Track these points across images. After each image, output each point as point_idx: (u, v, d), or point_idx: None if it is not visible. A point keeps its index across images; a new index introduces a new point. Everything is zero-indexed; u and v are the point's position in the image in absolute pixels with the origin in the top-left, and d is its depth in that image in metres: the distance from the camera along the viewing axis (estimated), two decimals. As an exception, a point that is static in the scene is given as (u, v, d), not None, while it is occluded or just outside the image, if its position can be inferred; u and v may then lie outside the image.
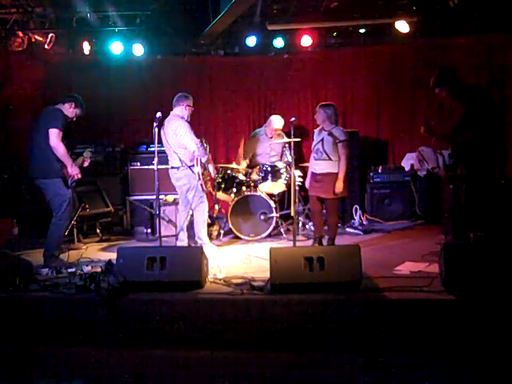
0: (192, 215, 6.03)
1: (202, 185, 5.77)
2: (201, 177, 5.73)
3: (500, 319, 3.88)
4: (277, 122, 7.17)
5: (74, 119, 5.55)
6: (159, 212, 5.65)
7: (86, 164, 5.77)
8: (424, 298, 4.09)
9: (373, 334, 3.95)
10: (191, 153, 5.78)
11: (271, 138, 7.26)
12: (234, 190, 6.72)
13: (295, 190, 5.44)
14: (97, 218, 6.97)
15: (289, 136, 5.61)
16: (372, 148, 8.12)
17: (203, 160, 5.80)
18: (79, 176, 5.43)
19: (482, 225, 5.06)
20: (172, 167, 5.89)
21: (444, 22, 7.24)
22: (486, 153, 4.96)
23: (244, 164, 7.10)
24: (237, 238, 6.64)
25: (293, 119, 5.41)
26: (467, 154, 5.03)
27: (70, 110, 5.44)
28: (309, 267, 4.28)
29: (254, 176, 6.76)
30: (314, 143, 5.86)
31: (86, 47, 7.37)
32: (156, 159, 5.22)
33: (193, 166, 5.76)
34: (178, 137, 5.74)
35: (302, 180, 6.52)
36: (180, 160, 5.80)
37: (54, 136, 5.21)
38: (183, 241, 5.97)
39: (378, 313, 4.03)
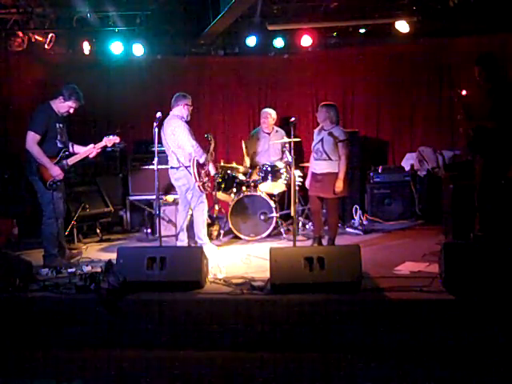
0: (192, 215, 6.03)
1: (199, 186, 5.77)
2: (197, 178, 5.73)
3: (500, 319, 3.88)
4: (266, 111, 7.23)
5: (72, 111, 5.42)
6: (159, 212, 5.64)
7: (94, 153, 5.58)
8: (424, 298, 4.09)
9: (373, 333, 3.95)
10: (189, 153, 5.78)
11: (269, 133, 7.27)
12: (234, 189, 6.72)
13: (295, 189, 5.44)
14: (97, 217, 6.97)
15: (289, 136, 5.61)
16: (372, 148, 8.11)
17: (201, 161, 5.80)
18: (61, 177, 5.31)
19: (490, 223, 5.04)
20: (171, 167, 5.90)
21: (444, 22, 7.24)
22: (506, 148, 4.95)
23: (248, 161, 7.09)
24: (237, 237, 6.64)
25: (293, 119, 5.41)
26: (487, 146, 5.02)
27: (59, 104, 5.35)
28: (309, 267, 4.28)
29: (254, 176, 6.76)
30: (313, 143, 5.87)
31: (86, 47, 7.37)
32: (156, 159, 5.23)
33: (190, 166, 5.76)
34: (176, 137, 5.75)
35: (301, 180, 6.52)
36: (178, 160, 5.80)
37: (29, 139, 5.19)
38: (183, 241, 5.97)
39: (377, 313, 4.03)
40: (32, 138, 5.19)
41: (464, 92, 5.17)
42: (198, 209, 5.90)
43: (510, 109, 4.95)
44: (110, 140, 5.59)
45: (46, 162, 5.24)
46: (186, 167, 5.78)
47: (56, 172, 5.28)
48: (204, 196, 5.92)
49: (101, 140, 5.60)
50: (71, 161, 5.43)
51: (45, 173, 5.27)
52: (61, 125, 5.41)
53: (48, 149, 5.28)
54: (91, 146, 5.57)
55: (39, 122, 5.25)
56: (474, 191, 5.28)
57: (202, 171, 5.85)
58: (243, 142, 7.20)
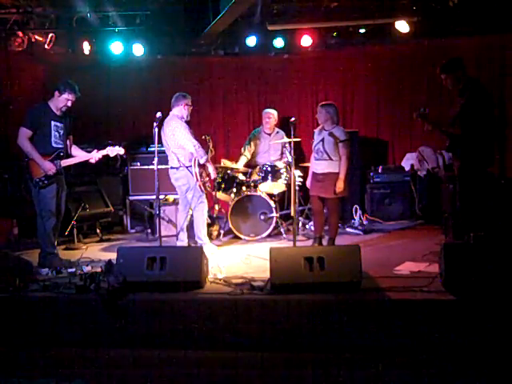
0: (192, 215, 6.03)
1: (200, 186, 5.78)
2: (199, 177, 5.73)
3: (500, 319, 3.88)
4: (269, 111, 7.26)
5: (69, 104, 5.32)
6: (159, 212, 5.64)
7: (92, 160, 5.53)
8: (424, 298, 4.09)
9: (373, 333, 3.95)
10: (190, 153, 5.78)
11: (270, 134, 7.27)
12: (234, 190, 6.72)
13: (295, 189, 5.44)
14: (97, 217, 6.97)
15: (289, 136, 5.61)
16: (372, 148, 8.11)
17: (201, 161, 5.80)
18: (52, 171, 5.21)
19: (478, 224, 5.04)
20: (171, 167, 5.90)
21: (444, 22, 7.24)
22: (476, 150, 4.94)
23: (244, 158, 7.13)
24: (237, 237, 6.64)
25: (293, 119, 5.41)
26: (460, 148, 5.02)
27: (56, 100, 5.30)
28: (309, 267, 4.28)
29: (254, 176, 6.76)
30: (314, 143, 5.86)
31: (86, 47, 7.37)
32: (156, 159, 5.23)
33: (191, 166, 5.76)
34: (176, 137, 5.75)
35: (302, 180, 6.52)
36: (178, 160, 5.81)
37: (19, 134, 5.20)
38: (183, 241, 5.97)
39: (378, 313, 4.03)
40: (22, 134, 5.19)
41: (424, 109, 5.11)
42: (198, 209, 5.90)
43: (477, 113, 4.91)
44: (114, 150, 5.56)
45: (37, 158, 5.19)
46: (187, 167, 5.79)
47: (47, 166, 5.20)
48: (204, 196, 5.93)
49: (100, 142, 5.57)
50: (65, 162, 5.35)
51: (33, 170, 5.23)
52: (58, 124, 5.33)
53: (40, 146, 5.23)
54: (93, 152, 5.51)
55: (30, 118, 5.24)
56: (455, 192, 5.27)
57: (203, 171, 5.86)
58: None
